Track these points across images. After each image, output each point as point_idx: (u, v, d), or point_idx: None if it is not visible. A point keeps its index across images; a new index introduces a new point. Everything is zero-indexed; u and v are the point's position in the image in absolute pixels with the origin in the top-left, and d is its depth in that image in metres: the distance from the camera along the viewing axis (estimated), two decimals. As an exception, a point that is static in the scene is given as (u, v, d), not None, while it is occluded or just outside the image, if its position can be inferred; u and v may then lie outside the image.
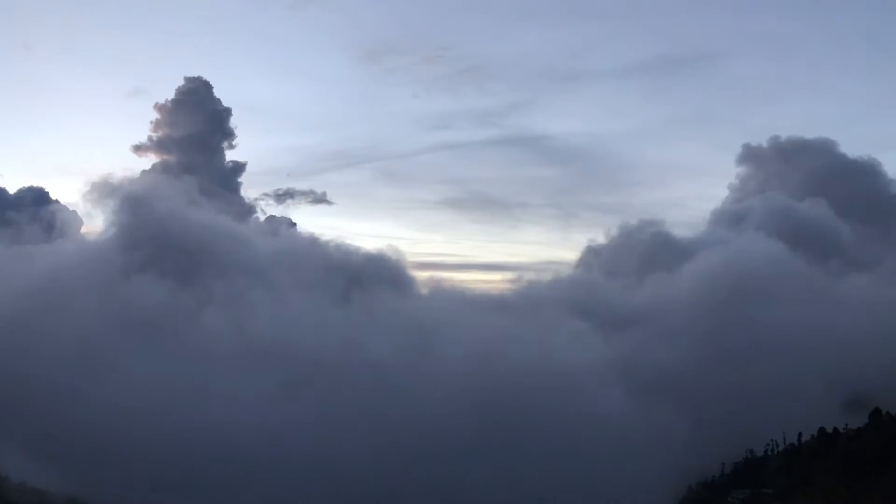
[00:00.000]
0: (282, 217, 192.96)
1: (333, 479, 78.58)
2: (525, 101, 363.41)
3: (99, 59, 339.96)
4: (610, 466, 78.18)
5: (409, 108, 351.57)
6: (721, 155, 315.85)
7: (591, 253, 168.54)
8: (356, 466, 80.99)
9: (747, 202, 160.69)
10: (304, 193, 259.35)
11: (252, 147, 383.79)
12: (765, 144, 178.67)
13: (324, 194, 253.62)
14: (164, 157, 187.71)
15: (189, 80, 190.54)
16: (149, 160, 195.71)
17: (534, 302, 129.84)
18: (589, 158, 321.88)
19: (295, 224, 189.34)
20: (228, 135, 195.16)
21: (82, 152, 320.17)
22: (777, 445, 69.52)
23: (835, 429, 63.60)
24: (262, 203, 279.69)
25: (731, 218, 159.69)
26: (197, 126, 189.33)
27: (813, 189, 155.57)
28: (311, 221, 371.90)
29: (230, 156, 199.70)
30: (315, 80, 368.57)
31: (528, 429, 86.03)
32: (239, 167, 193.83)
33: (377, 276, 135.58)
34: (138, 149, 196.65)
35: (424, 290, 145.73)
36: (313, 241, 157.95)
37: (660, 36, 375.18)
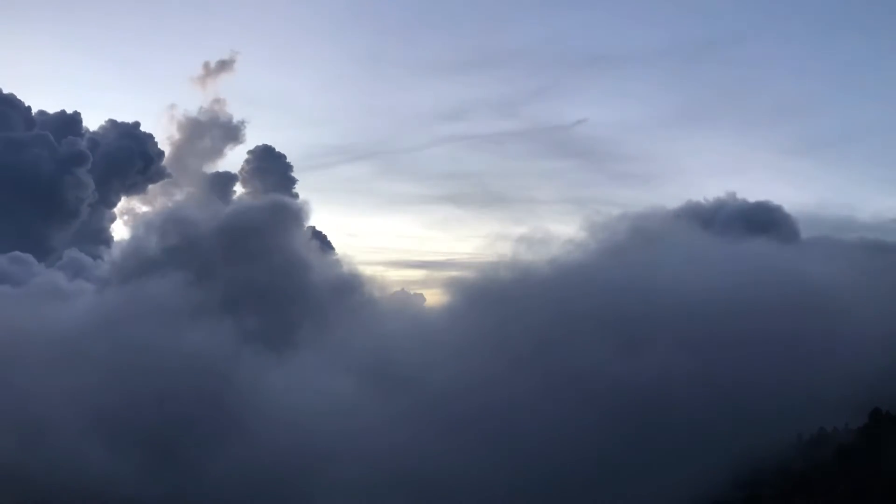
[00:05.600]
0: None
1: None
2: (543, 90, 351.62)
3: (94, 52, 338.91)
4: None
5: (418, 100, 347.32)
6: (753, 149, 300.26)
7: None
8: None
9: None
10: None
11: (251, 142, 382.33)
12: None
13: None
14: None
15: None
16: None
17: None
18: (609, 149, 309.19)
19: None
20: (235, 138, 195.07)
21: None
22: (777, 445, 69.34)
23: (834, 429, 63.66)
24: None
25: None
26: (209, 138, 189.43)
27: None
28: (313, 218, 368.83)
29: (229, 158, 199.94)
30: (319, 71, 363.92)
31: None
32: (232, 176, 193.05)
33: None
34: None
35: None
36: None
37: (689, 16, 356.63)
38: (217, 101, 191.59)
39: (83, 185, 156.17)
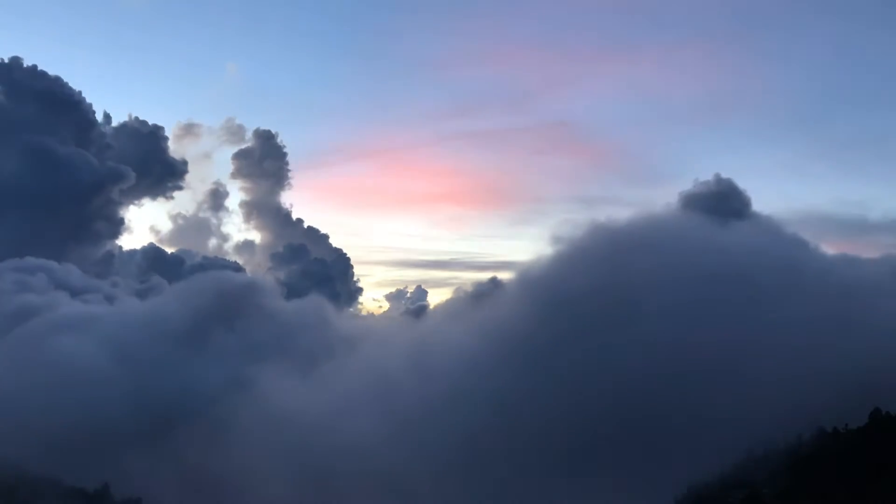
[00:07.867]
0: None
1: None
2: (550, 86, 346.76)
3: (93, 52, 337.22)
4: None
5: (421, 97, 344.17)
6: (778, 142, 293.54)
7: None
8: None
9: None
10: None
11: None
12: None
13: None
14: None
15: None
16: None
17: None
18: (617, 148, 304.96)
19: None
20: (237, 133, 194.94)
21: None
22: (777, 445, 69.47)
23: (835, 429, 63.67)
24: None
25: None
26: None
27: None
28: (314, 217, 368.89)
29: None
30: (321, 69, 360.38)
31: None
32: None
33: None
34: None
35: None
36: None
37: (703, 12, 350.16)
38: (219, 104, 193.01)
39: (116, 206, 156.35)
